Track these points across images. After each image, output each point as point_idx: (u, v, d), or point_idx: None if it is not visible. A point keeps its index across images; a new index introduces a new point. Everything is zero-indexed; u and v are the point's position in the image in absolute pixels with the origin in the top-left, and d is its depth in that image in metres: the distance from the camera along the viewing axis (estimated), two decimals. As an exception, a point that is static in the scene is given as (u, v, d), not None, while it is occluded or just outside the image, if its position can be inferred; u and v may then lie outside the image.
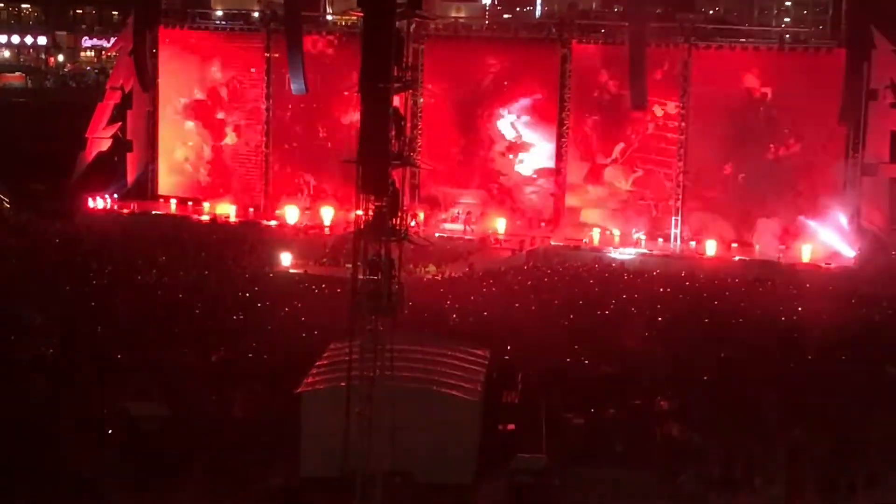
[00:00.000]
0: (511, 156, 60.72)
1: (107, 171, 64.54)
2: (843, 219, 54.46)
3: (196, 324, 40.49)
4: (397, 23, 26.67)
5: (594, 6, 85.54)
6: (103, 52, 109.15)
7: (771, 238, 54.49)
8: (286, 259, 51.89)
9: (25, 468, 28.03)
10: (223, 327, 40.02)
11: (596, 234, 57.23)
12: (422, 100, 59.05)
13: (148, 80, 64.46)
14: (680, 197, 57.03)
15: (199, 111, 64.92)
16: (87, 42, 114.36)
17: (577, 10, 61.02)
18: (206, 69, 64.65)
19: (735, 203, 56.57)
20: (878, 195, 54.83)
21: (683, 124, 56.86)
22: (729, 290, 47.77)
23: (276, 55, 62.36)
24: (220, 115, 64.62)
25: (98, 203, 62.91)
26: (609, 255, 54.86)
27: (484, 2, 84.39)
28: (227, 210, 62.40)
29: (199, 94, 64.75)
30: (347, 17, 64.23)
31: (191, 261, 50.54)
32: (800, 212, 55.02)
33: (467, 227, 58.65)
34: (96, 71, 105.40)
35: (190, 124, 65.15)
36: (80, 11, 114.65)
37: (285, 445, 29.95)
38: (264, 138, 63.45)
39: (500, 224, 58.75)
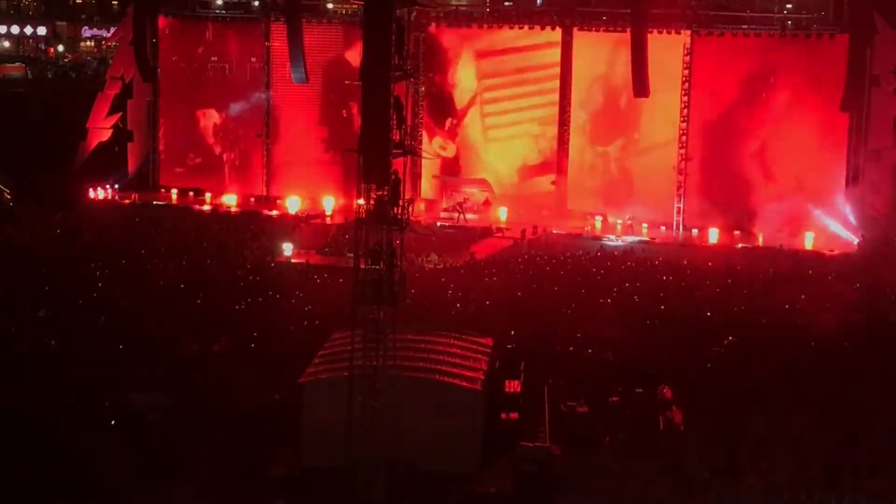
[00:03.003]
0: (511, 143, 60.73)
1: (108, 162, 64.50)
2: (845, 205, 54.34)
3: (198, 314, 40.44)
4: (398, 11, 26.62)
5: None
6: (103, 42, 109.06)
7: (774, 225, 54.36)
8: (288, 248, 51.85)
9: (28, 461, 27.99)
10: (225, 317, 39.98)
11: (598, 222, 57.22)
12: (423, 88, 58.93)
13: (148, 69, 64.39)
14: (683, 184, 57.06)
15: (200, 100, 64.84)
16: (86, 32, 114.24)
17: (579, -3, 60.69)
18: (207, 58, 64.56)
19: (737, 190, 56.42)
20: (882, 181, 54.66)
21: (686, 111, 56.82)
22: (731, 278, 47.66)
23: (277, 44, 62.30)
24: (221, 105, 64.54)
25: (99, 193, 62.92)
26: (611, 242, 54.80)
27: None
28: (229, 200, 62.38)
29: (199, 84, 64.68)
30: (348, 6, 64.19)
31: (192, 251, 50.46)
32: (802, 198, 54.84)
33: (459, 216, 58.47)
34: (96, 61, 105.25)
35: (190, 113, 65.12)
36: (80, 1, 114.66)
37: (288, 435, 29.91)
38: (265, 127, 63.39)
39: (501, 213, 58.69)
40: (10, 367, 33.69)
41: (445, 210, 59.36)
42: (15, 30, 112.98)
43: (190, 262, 48.15)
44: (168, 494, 27.13)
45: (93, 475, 27.84)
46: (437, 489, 27.95)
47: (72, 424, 29.79)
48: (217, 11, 67.41)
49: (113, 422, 30.45)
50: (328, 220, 58.73)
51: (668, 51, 56.59)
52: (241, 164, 64.37)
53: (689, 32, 56.64)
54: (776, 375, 34.45)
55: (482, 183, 60.51)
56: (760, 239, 54.67)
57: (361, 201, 26.75)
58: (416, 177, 58.67)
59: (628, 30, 55.99)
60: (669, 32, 56.67)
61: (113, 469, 28.02)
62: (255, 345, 37.01)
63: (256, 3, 66.87)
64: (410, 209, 27.47)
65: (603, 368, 35.50)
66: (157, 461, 28.44)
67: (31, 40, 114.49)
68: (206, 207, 61.69)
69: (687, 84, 56.75)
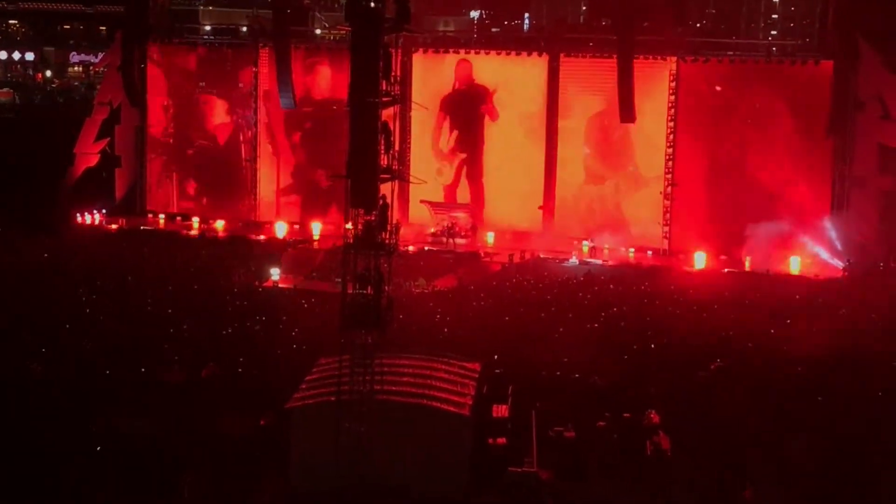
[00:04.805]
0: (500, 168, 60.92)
1: (95, 187, 64.45)
2: (831, 231, 54.56)
3: (185, 339, 40.35)
4: (385, 37, 26.76)
5: (582, 19, 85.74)
6: (91, 68, 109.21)
7: (760, 250, 54.52)
8: (275, 273, 51.82)
9: (14, 486, 27.86)
10: (212, 342, 39.90)
11: (585, 246, 57.38)
12: (410, 114, 59.12)
13: (136, 95, 64.47)
14: (669, 209, 57.27)
15: (188, 126, 64.95)
16: (74, 58, 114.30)
17: (566, 23, 61.02)
18: (195, 84, 64.68)
19: (724, 215, 56.60)
20: (867, 207, 54.85)
21: (672, 137, 57.11)
22: (718, 302, 47.78)
23: (265, 69, 62.46)
24: (209, 130, 64.65)
25: (86, 219, 62.83)
26: (598, 267, 54.88)
27: (472, 16, 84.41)
28: (216, 225, 62.37)
29: (187, 109, 64.80)
30: (336, 32, 64.44)
31: (179, 276, 50.38)
32: (788, 224, 55.02)
33: (448, 240, 58.58)
34: (84, 86, 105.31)
35: (178, 138, 65.22)
36: (68, 27, 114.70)
37: (275, 461, 29.82)
38: (253, 152, 63.50)
39: (489, 237, 58.79)
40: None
41: (433, 235, 59.45)
42: (3, 55, 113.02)
43: (177, 288, 48.06)
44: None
45: (78, 500, 27.73)
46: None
47: (57, 450, 29.68)
48: (205, 37, 67.59)
49: (98, 448, 30.32)
50: (316, 245, 58.76)
51: (654, 77, 56.93)
52: (228, 189, 64.37)
53: (674, 59, 56.98)
54: (763, 400, 34.50)
55: (469, 208, 60.64)
56: (747, 264, 54.81)
57: (349, 226, 26.82)
58: (404, 202, 58.71)
59: (615, 56, 56.29)
60: (655, 59, 57.01)
61: (98, 495, 27.91)
62: (242, 370, 36.93)
63: (245, 29, 67.06)
64: (398, 234, 27.56)
65: (590, 393, 35.51)
66: (143, 487, 28.33)
67: (18, 65, 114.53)
68: (194, 232, 61.68)
69: (673, 110, 57.05)
